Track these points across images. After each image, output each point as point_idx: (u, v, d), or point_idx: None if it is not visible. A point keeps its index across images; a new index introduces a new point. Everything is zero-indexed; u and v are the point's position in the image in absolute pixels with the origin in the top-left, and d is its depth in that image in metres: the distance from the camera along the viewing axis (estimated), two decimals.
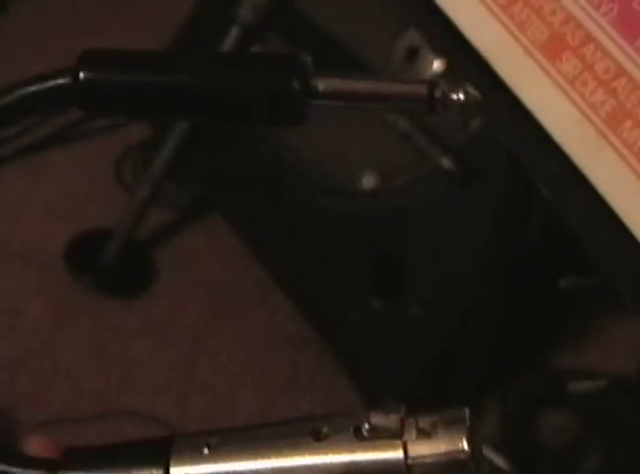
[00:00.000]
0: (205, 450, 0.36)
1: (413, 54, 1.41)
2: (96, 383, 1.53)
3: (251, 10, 1.50)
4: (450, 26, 0.69)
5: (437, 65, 1.38)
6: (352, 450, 0.33)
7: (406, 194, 1.40)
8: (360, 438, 0.33)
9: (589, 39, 0.61)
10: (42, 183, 1.78)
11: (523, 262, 1.12)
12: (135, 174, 1.79)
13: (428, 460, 0.33)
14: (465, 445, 0.33)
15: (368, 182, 1.43)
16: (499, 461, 1.43)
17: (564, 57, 0.61)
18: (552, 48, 0.62)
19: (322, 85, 0.31)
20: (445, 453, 0.33)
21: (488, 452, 1.44)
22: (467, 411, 0.34)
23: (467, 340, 1.19)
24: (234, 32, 1.52)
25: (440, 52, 0.73)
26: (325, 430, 0.34)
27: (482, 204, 1.29)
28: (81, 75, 0.30)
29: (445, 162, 1.31)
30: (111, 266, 1.64)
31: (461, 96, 0.32)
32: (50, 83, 0.31)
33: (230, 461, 0.35)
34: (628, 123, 0.58)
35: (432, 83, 0.32)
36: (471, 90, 0.32)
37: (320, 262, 1.51)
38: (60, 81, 0.31)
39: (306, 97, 0.30)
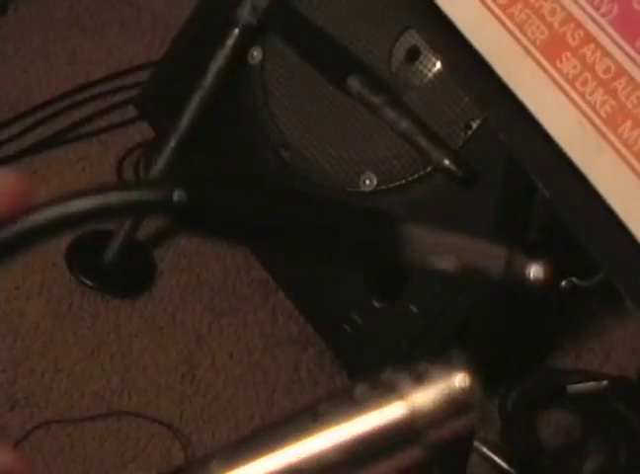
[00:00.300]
0: (213, 465, 0.35)
1: (414, 55, 1.41)
2: (97, 384, 1.53)
3: (251, 10, 1.50)
4: (451, 26, 0.69)
5: (437, 66, 1.38)
6: (352, 417, 0.33)
7: (406, 194, 1.40)
8: (357, 404, 0.32)
9: (589, 39, 0.61)
10: (44, 183, 1.78)
11: None
12: (137, 174, 1.80)
13: (429, 404, 0.32)
14: (463, 383, 0.32)
15: (368, 182, 1.43)
16: (500, 461, 1.43)
17: (564, 57, 0.62)
18: (552, 48, 0.62)
19: (409, 243, 0.32)
20: (443, 392, 0.32)
21: (489, 452, 1.44)
22: (455, 351, 0.33)
23: (467, 340, 1.19)
24: (235, 32, 1.52)
25: (440, 53, 0.73)
26: (322, 408, 0.34)
27: (482, 205, 1.29)
28: (176, 196, 0.31)
29: (446, 162, 1.31)
30: (112, 266, 1.64)
31: (539, 273, 0.33)
32: (147, 196, 0.31)
33: (240, 467, 0.35)
34: (628, 124, 0.58)
35: (508, 262, 0.32)
36: (546, 267, 0.33)
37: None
38: (157, 196, 0.31)
39: (392, 252, 0.32)
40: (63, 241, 1.67)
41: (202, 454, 0.37)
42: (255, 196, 0.32)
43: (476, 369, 0.32)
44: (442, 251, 0.32)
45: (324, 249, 0.32)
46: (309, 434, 0.33)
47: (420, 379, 0.33)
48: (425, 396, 0.32)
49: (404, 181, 1.40)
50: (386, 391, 0.32)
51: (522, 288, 0.32)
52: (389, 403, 0.32)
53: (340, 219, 0.32)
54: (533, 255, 0.32)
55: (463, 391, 0.32)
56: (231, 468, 0.34)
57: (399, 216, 0.31)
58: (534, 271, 0.32)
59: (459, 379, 0.32)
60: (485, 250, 0.32)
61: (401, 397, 0.32)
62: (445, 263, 0.32)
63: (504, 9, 0.65)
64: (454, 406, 0.32)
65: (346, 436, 0.33)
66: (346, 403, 0.33)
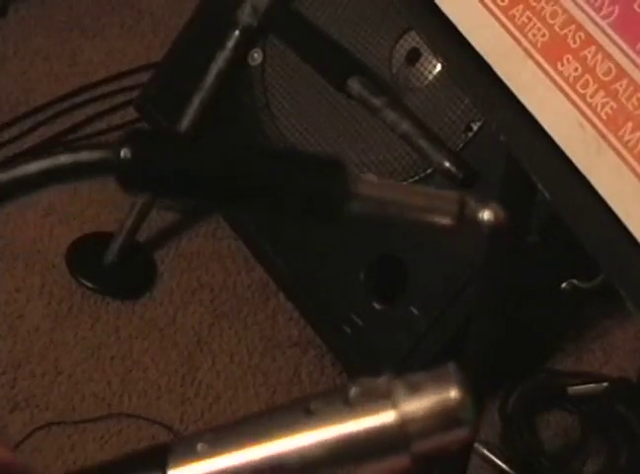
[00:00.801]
0: (199, 447, 0.36)
1: (414, 57, 1.41)
2: (97, 385, 1.53)
3: (252, 12, 1.50)
4: (451, 28, 0.69)
5: (437, 68, 1.38)
6: (343, 419, 0.33)
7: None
8: (349, 406, 0.32)
9: (590, 41, 0.61)
10: None
11: (525, 264, 1.12)
12: None
13: (420, 414, 0.32)
14: (456, 393, 0.32)
15: None
16: (500, 462, 1.43)
17: (565, 60, 0.62)
18: (553, 51, 0.62)
19: (360, 191, 0.32)
20: (436, 404, 0.32)
21: (489, 454, 1.44)
22: (452, 364, 0.33)
23: (468, 342, 1.19)
24: (235, 33, 1.52)
25: (440, 55, 0.73)
26: (314, 405, 0.34)
27: None
28: (122, 153, 0.31)
29: (447, 164, 1.31)
30: (112, 268, 1.64)
31: (489, 217, 0.33)
32: (94, 155, 0.32)
33: (225, 453, 0.35)
34: (629, 125, 0.58)
35: (461, 202, 0.33)
36: (497, 210, 0.33)
37: (321, 264, 1.52)
38: (103, 155, 0.31)
39: (345, 200, 0.32)
40: (63, 243, 1.67)
41: (189, 434, 0.37)
42: (199, 149, 0.32)
43: (474, 384, 0.32)
44: (396, 198, 0.32)
45: (275, 200, 0.32)
46: (298, 428, 0.33)
47: (415, 389, 0.32)
48: (417, 406, 0.32)
49: (405, 182, 1.40)
50: (380, 397, 0.32)
51: (475, 231, 0.32)
52: (381, 409, 0.32)
53: (290, 168, 0.32)
54: (486, 201, 0.32)
55: (457, 405, 0.32)
56: (217, 453, 0.34)
57: (350, 167, 0.31)
58: (487, 214, 0.32)
59: (454, 393, 0.32)
60: (438, 195, 0.32)
61: (394, 405, 0.32)
62: (400, 210, 0.32)
63: (505, 11, 0.65)
64: (446, 419, 0.32)
65: (334, 436, 0.32)
66: (339, 403, 0.33)
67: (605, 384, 1.50)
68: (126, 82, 1.95)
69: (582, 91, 0.61)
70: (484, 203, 0.32)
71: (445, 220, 0.33)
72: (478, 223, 0.32)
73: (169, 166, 0.32)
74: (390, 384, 0.32)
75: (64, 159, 0.32)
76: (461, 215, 0.32)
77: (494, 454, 1.44)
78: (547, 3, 0.63)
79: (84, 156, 0.32)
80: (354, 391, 0.33)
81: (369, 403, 0.32)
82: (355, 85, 1.39)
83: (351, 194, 0.32)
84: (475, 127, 1.34)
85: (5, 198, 0.34)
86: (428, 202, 0.32)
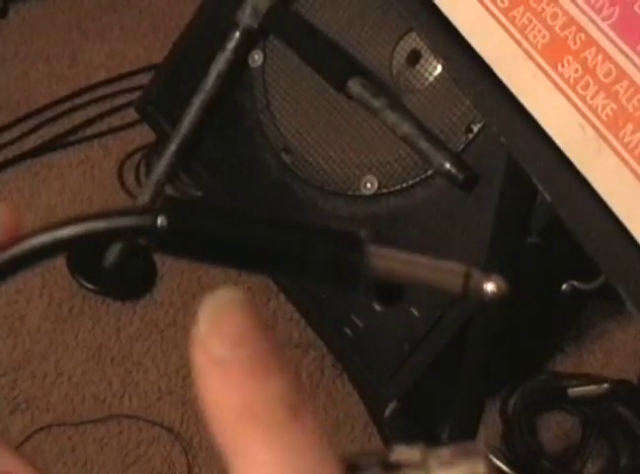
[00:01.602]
0: None
1: (415, 58, 1.41)
2: (98, 387, 1.53)
3: (252, 13, 1.50)
4: (452, 29, 0.69)
5: (438, 69, 1.38)
6: None
7: (407, 197, 1.40)
8: (386, 471, 0.34)
9: (590, 42, 0.61)
10: (45, 186, 1.78)
11: (525, 266, 1.12)
12: (138, 178, 1.80)
13: None
14: (484, 469, 0.34)
15: (369, 185, 1.43)
16: (501, 464, 1.43)
17: (565, 61, 0.62)
18: (554, 52, 0.62)
19: (375, 264, 0.35)
20: None
21: (490, 456, 1.44)
22: (481, 443, 0.36)
23: (469, 343, 1.19)
24: (236, 35, 1.53)
25: (441, 56, 0.73)
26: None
27: (483, 208, 1.29)
28: (159, 221, 0.33)
29: (447, 165, 1.31)
30: (113, 269, 1.64)
31: (492, 288, 0.36)
32: (130, 222, 0.34)
33: None
34: (630, 127, 0.58)
35: (467, 273, 0.35)
36: (500, 282, 0.36)
37: None
38: (139, 222, 0.34)
39: (361, 273, 0.35)
40: None
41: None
42: (234, 219, 0.35)
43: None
44: (406, 271, 0.35)
45: (298, 268, 0.35)
46: None
47: (446, 461, 0.35)
48: None
49: (405, 184, 1.40)
50: (416, 467, 0.34)
51: (480, 301, 0.36)
52: None
53: (311, 240, 0.35)
54: (488, 272, 0.36)
55: None
56: None
57: (363, 234, 0.34)
58: (490, 286, 0.35)
59: (482, 469, 0.34)
60: (445, 268, 0.36)
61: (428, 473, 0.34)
62: (409, 280, 0.35)
63: (505, 12, 0.65)
64: None
65: None
66: (377, 468, 0.35)
67: (606, 385, 1.50)
68: (127, 83, 1.95)
69: (582, 92, 0.61)
70: (487, 276, 0.35)
71: (452, 290, 0.36)
72: (481, 292, 0.36)
73: (203, 236, 0.35)
74: (424, 456, 0.34)
75: (100, 225, 0.34)
76: (466, 287, 0.36)
77: (494, 455, 1.44)
78: (548, 4, 0.63)
79: (120, 222, 0.34)
80: (391, 460, 0.34)
81: (405, 470, 0.34)
82: (355, 86, 1.39)
83: (366, 267, 0.34)
84: (476, 129, 1.34)
85: (38, 260, 0.36)
86: (435, 276, 0.36)
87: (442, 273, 0.36)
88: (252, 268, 0.37)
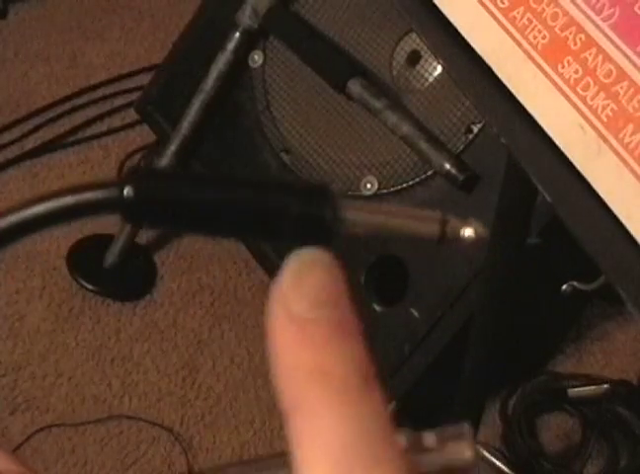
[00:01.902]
0: None
1: (414, 59, 1.41)
2: (98, 387, 1.53)
3: (252, 14, 1.50)
4: (452, 30, 0.69)
5: (438, 70, 1.38)
6: None
7: (407, 197, 1.40)
8: None
9: (590, 43, 0.61)
10: (45, 187, 1.78)
11: (525, 266, 1.12)
12: None
13: (436, 470, 0.33)
14: (470, 454, 0.34)
15: (369, 185, 1.43)
16: (500, 464, 1.43)
17: (565, 62, 0.62)
18: (554, 53, 0.62)
19: (348, 216, 0.34)
20: (451, 463, 0.33)
21: (490, 456, 1.44)
22: (467, 425, 0.35)
23: (469, 344, 1.19)
24: (236, 36, 1.53)
25: (441, 57, 0.73)
26: None
27: (483, 208, 1.29)
28: (126, 192, 0.34)
29: (447, 166, 1.31)
30: (113, 270, 1.64)
31: (470, 233, 0.35)
32: (98, 195, 0.34)
33: None
34: (630, 128, 0.58)
35: (443, 220, 0.35)
36: (478, 227, 0.35)
37: None
38: (107, 194, 0.34)
39: (335, 227, 0.34)
40: (64, 245, 1.67)
41: (205, 468, 0.38)
42: (201, 185, 0.35)
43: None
44: (381, 220, 0.35)
45: (270, 229, 0.35)
46: None
47: (430, 447, 0.34)
48: (433, 461, 0.34)
49: (405, 184, 1.40)
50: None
51: (458, 246, 0.35)
52: None
53: (280, 197, 0.34)
54: (466, 217, 0.35)
55: (469, 462, 0.34)
56: None
57: (334, 189, 0.34)
58: (467, 231, 0.35)
59: (467, 450, 0.34)
60: (420, 215, 0.35)
61: (410, 459, 0.34)
62: (384, 230, 0.35)
63: (505, 13, 0.65)
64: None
65: None
66: None
67: (606, 386, 1.50)
68: (127, 84, 1.95)
69: (582, 93, 0.61)
70: (464, 221, 0.35)
71: (428, 237, 0.35)
72: (459, 239, 0.35)
73: (169, 202, 0.35)
74: (407, 441, 0.34)
75: (68, 200, 0.35)
76: (443, 233, 0.35)
77: (494, 456, 1.44)
78: (548, 5, 0.63)
79: (88, 196, 0.34)
80: None
81: None
82: (355, 87, 1.39)
83: (340, 219, 0.34)
84: (476, 129, 1.34)
85: (9, 241, 0.36)
86: (411, 223, 0.35)
87: (418, 220, 0.35)
88: (223, 233, 0.37)
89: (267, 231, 0.35)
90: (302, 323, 0.30)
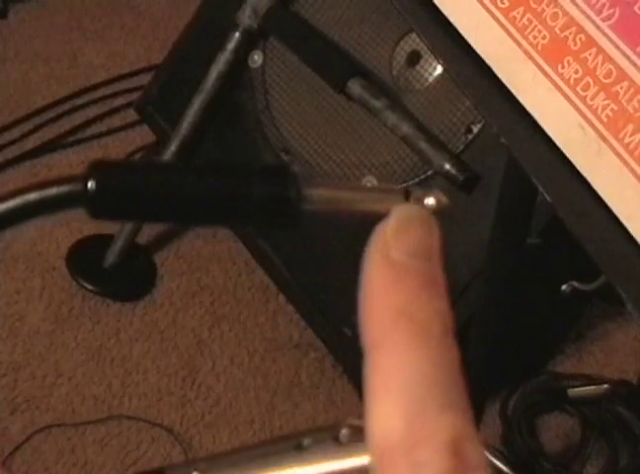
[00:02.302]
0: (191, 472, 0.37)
1: (414, 59, 1.41)
2: (97, 388, 1.53)
3: (252, 14, 1.50)
4: (452, 30, 0.69)
5: (438, 70, 1.38)
6: (333, 456, 0.34)
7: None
8: (340, 444, 0.34)
9: (590, 43, 0.61)
10: None
11: (525, 266, 1.12)
12: None
13: None
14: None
15: (369, 185, 1.43)
16: (500, 465, 1.43)
17: (566, 62, 0.62)
18: (554, 53, 0.62)
19: (312, 193, 0.35)
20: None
21: (490, 456, 1.44)
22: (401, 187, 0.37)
23: (469, 344, 1.19)
24: (236, 36, 1.53)
25: (441, 57, 0.73)
26: (306, 442, 0.35)
27: (483, 208, 1.29)
28: (89, 184, 0.33)
29: (447, 166, 1.31)
30: (113, 270, 1.64)
31: (432, 202, 0.36)
32: (61, 189, 0.34)
33: None
34: (629, 128, 0.58)
35: (406, 192, 0.36)
36: (441, 197, 0.36)
37: (322, 266, 1.52)
38: (70, 188, 0.34)
39: (299, 205, 0.35)
40: (64, 245, 1.67)
41: (184, 460, 0.38)
42: (161, 174, 0.35)
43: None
44: (345, 196, 0.36)
45: (235, 211, 0.35)
46: (291, 464, 0.35)
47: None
48: None
49: (405, 184, 1.40)
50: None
51: None
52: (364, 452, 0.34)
53: (243, 180, 0.35)
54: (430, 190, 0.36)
55: None
56: None
57: (297, 171, 0.34)
58: (430, 201, 0.36)
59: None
60: (383, 189, 0.36)
61: None
62: (349, 205, 0.36)
63: (505, 13, 0.65)
64: None
65: (322, 472, 0.34)
66: (330, 442, 0.35)
67: (606, 386, 1.50)
68: (127, 84, 1.95)
69: (582, 93, 0.61)
70: (427, 192, 0.36)
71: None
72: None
73: (133, 193, 0.35)
74: None
75: (32, 197, 0.35)
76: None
77: (494, 456, 1.44)
78: (548, 5, 0.63)
79: (51, 192, 0.35)
80: (345, 431, 0.34)
81: (359, 445, 0.34)
82: (355, 87, 1.39)
83: (304, 197, 0.35)
84: (476, 129, 1.34)
85: None
86: (374, 196, 0.36)
87: (382, 193, 0.36)
88: (189, 221, 0.37)
89: (232, 215, 0.35)
90: (399, 269, 0.32)
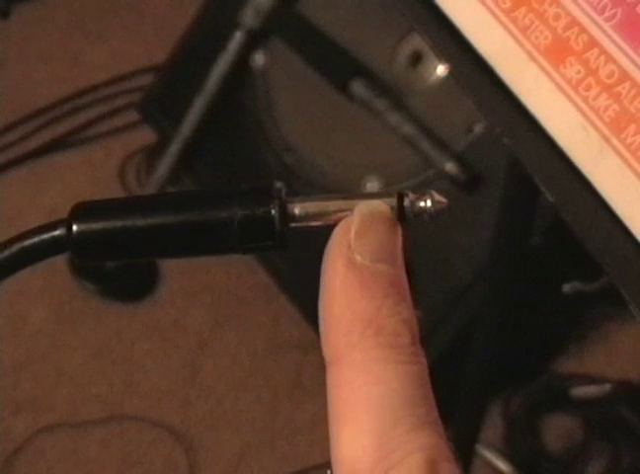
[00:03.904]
0: None
1: (416, 59, 1.41)
2: (99, 388, 1.53)
3: (254, 14, 1.50)
4: (453, 30, 0.69)
5: (439, 70, 1.38)
6: None
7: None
8: None
9: (592, 43, 0.61)
10: (47, 187, 1.78)
11: (527, 267, 1.12)
12: (139, 179, 1.80)
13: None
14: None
15: (372, 186, 1.43)
16: (502, 465, 1.43)
17: (568, 62, 0.62)
18: (556, 53, 0.62)
19: (298, 210, 0.33)
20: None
21: (491, 456, 1.44)
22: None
23: (470, 344, 1.19)
24: (237, 36, 1.53)
25: (442, 57, 0.73)
26: None
27: (485, 208, 1.29)
28: (74, 227, 0.34)
29: (449, 166, 1.31)
30: (114, 270, 1.64)
31: (429, 204, 0.34)
32: (46, 236, 0.34)
33: None
34: (632, 128, 0.58)
35: (400, 195, 0.34)
36: (437, 197, 0.34)
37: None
38: (55, 234, 0.34)
39: (285, 223, 0.33)
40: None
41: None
42: (140, 212, 0.34)
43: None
44: (335, 208, 0.34)
45: (218, 240, 0.34)
46: None
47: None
48: None
49: (406, 184, 1.40)
50: None
51: (420, 221, 0.35)
52: None
53: (224, 207, 0.33)
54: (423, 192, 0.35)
55: None
56: None
57: (279, 185, 0.33)
58: (428, 202, 0.34)
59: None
60: (374, 195, 0.34)
61: None
62: (337, 216, 0.33)
63: (507, 13, 0.65)
64: None
65: None
66: None
67: (608, 386, 1.50)
68: (129, 84, 1.95)
69: (584, 93, 0.60)
70: (423, 193, 0.34)
71: None
72: (420, 213, 0.34)
73: (117, 233, 0.34)
74: None
75: (16, 249, 0.35)
76: (401, 210, 0.34)
77: (496, 457, 1.44)
78: (550, 5, 0.63)
79: (33, 242, 0.34)
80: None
81: None
82: (357, 87, 1.39)
83: (289, 214, 0.33)
84: (477, 129, 1.34)
85: None
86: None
87: (375, 198, 0.34)
88: (178, 255, 0.36)
89: (217, 244, 0.34)
90: (362, 273, 0.30)
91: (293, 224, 0.33)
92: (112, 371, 1.55)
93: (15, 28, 2.08)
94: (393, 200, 0.34)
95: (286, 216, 0.33)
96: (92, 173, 1.82)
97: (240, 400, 1.53)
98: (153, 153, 1.76)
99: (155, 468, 1.46)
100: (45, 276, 1.65)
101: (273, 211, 0.33)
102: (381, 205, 0.32)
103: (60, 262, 1.65)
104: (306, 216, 0.33)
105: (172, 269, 1.68)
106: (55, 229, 0.34)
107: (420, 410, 0.29)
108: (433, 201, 0.34)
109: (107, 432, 1.48)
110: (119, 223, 0.34)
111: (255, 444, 1.49)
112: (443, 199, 0.34)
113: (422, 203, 0.34)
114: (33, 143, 1.85)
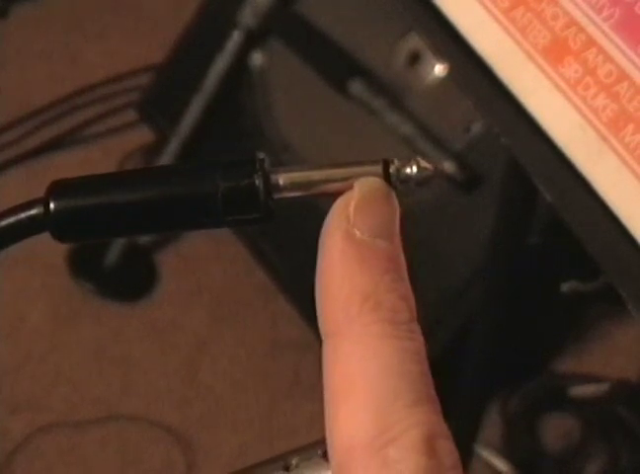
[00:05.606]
0: None
1: (414, 58, 1.41)
2: (97, 388, 1.53)
3: (252, 14, 1.50)
4: (452, 30, 0.69)
5: (438, 69, 1.38)
6: (322, 473, 0.34)
7: (407, 198, 1.40)
8: (327, 460, 0.33)
9: (590, 43, 0.61)
10: (45, 186, 1.78)
11: (525, 266, 1.12)
12: None
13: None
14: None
15: None
16: (500, 465, 1.43)
17: (566, 61, 0.62)
18: (554, 53, 0.62)
19: (282, 180, 0.33)
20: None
21: (490, 456, 1.44)
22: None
23: (469, 344, 1.19)
24: (236, 35, 1.53)
25: (441, 57, 0.73)
26: (294, 461, 0.34)
27: (484, 208, 1.29)
28: (52, 205, 0.33)
29: (447, 166, 1.31)
30: (113, 270, 1.64)
31: (415, 170, 0.34)
32: (23, 216, 0.33)
33: None
34: (630, 128, 0.58)
35: (385, 161, 0.34)
36: (423, 163, 0.34)
37: None
38: (32, 213, 0.33)
39: (270, 193, 0.33)
40: (65, 245, 1.67)
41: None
42: (120, 186, 0.33)
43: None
44: (319, 177, 0.33)
45: (202, 213, 0.33)
46: None
47: None
48: None
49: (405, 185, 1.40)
50: None
51: (407, 188, 0.34)
52: None
53: (205, 181, 0.33)
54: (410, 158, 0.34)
55: None
56: None
57: (261, 156, 0.33)
58: (414, 168, 0.34)
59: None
60: (359, 162, 0.34)
61: None
62: (325, 186, 0.33)
63: (505, 12, 0.65)
64: None
65: None
66: (317, 460, 0.34)
67: (606, 386, 1.50)
68: (127, 84, 1.95)
69: (583, 93, 0.61)
70: (407, 161, 0.33)
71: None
72: (406, 180, 0.34)
73: (96, 208, 0.33)
74: None
75: None
76: (387, 177, 0.33)
77: (494, 456, 1.44)
78: (548, 4, 0.63)
79: (11, 221, 0.34)
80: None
81: None
82: (355, 86, 1.39)
83: (273, 184, 0.33)
84: (476, 129, 1.34)
85: None
86: (351, 172, 0.33)
87: (358, 168, 0.33)
88: (161, 230, 0.36)
89: (201, 217, 0.33)
90: (363, 249, 0.30)
91: (278, 195, 0.33)
92: (110, 371, 1.55)
93: (13, 27, 2.08)
94: (379, 168, 0.33)
95: (270, 187, 0.33)
96: (90, 172, 1.82)
97: (238, 400, 1.53)
98: (151, 153, 1.76)
99: (153, 468, 1.46)
100: (43, 276, 1.64)
101: (257, 182, 0.32)
102: (381, 182, 0.32)
103: (58, 261, 1.65)
104: (291, 186, 0.33)
105: (170, 268, 1.68)
106: (32, 208, 0.33)
107: (418, 386, 0.28)
108: (419, 168, 0.34)
109: (105, 431, 1.48)
110: (98, 199, 0.33)
111: (253, 444, 1.49)
112: (429, 166, 0.34)
113: (407, 170, 0.34)
114: (30, 143, 1.85)
